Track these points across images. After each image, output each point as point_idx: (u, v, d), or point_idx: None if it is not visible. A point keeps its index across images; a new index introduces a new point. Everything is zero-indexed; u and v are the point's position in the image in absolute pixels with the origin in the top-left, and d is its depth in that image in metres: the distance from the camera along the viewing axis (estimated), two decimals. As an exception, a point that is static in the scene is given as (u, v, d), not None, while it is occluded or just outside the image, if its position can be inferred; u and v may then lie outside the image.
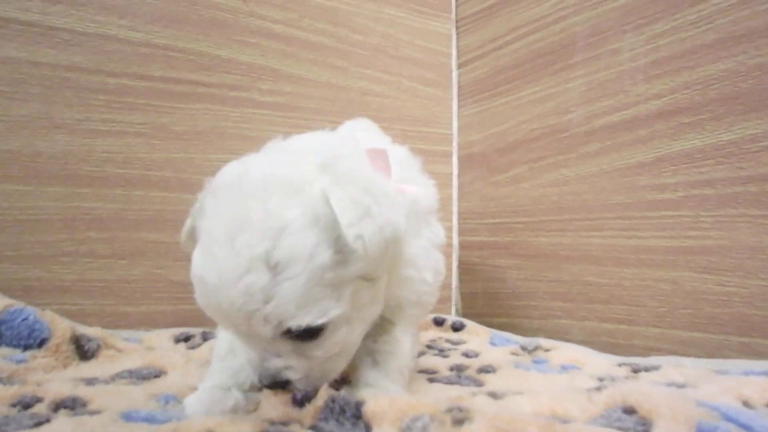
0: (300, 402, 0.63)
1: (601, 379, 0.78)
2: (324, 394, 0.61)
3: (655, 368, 0.84)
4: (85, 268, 1.13)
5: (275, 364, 0.58)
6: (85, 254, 1.14)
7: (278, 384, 0.59)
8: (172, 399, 0.69)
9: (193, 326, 1.17)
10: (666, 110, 1.03)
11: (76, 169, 1.14)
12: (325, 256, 0.53)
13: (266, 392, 0.70)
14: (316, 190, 0.54)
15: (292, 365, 0.58)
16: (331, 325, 0.56)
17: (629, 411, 0.55)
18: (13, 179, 1.09)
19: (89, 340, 0.89)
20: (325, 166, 0.57)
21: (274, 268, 0.51)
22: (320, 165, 0.57)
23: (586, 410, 0.59)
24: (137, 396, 0.69)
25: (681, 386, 0.66)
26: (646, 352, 1.02)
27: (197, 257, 0.55)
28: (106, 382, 0.76)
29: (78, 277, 1.13)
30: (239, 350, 0.70)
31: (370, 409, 0.55)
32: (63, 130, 1.13)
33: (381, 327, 0.71)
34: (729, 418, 0.51)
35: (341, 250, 0.54)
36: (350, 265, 0.55)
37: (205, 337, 1.09)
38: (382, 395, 0.58)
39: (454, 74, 1.61)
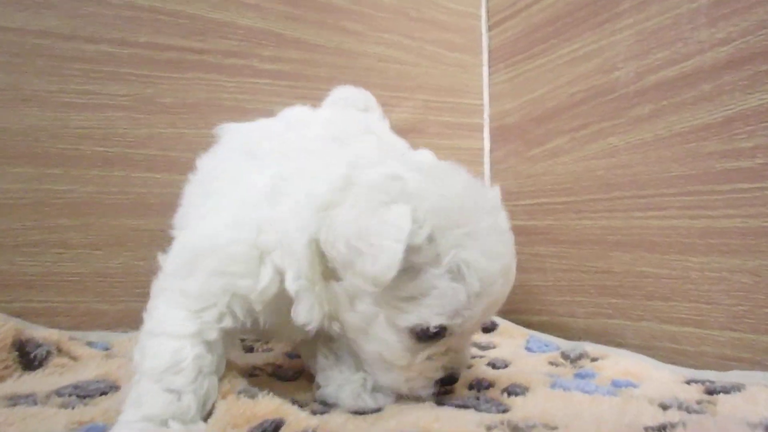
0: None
1: (664, 407, 0.59)
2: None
3: (737, 389, 0.65)
4: (55, 259, 1.00)
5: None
6: (56, 244, 1.01)
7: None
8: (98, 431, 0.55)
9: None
10: (737, 57, 0.83)
11: (47, 147, 1.01)
12: None
13: (219, 419, 0.55)
14: None
15: None
16: None
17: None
18: (-27, 159, 0.97)
19: (38, 346, 0.78)
20: None
21: None
22: None
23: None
24: (57, 426, 0.56)
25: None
26: (721, 362, 0.82)
27: (500, 251, 0.60)
28: (36, 401, 0.63)
29: (47, 270, 1.00)
30: (187, 362, 0.57)
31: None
32: (32, 103, 1.00)
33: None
34: None
35: None
36: None
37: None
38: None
39: (484, 37, 1.42)
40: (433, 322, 0.58)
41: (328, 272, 0.60)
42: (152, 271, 1.04)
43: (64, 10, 1.03)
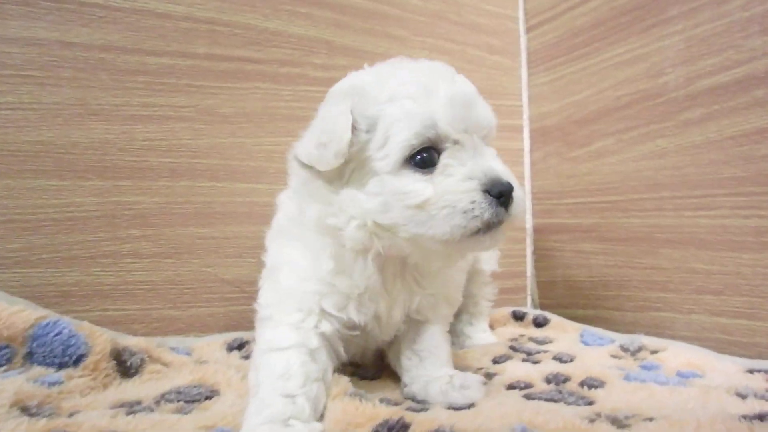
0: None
1: (742, 396, 0.64)
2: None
3: (804, 378, 0.69)
4: (128, 269, 1.04)
5: (497, 161, 0.65)
6: (128, 254, 1.04)
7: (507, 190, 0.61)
8: (227, 435, 0.59)
9: (246, 329, 1.06)
10: (794, 64, 0.86)
11: (115, 160, 1.03)
12: None
13: (338, 419, 0.59)
14: None
15: None
16: None
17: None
18: (46, 173, 0.99)
19: (132, 354, 0.80)
20: None
21: None
22: None
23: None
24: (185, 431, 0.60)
25: None
26: (776, 352, 0.86)
27: (440, 88, 0.66)
28: (150, 408, 0.67)
29: (120, 279, 1.03)
30: (295, 369, 0.63)
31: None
32: (100, 117, 1.03)
33: (416, 330, 0.78)
34: None
35: None
36: None
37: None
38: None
39: (522, 39, 1.46)
40: (401, 141, 0.62)
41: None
42: (219, 277, 1.09)
43: (126, 23, 1.05)
